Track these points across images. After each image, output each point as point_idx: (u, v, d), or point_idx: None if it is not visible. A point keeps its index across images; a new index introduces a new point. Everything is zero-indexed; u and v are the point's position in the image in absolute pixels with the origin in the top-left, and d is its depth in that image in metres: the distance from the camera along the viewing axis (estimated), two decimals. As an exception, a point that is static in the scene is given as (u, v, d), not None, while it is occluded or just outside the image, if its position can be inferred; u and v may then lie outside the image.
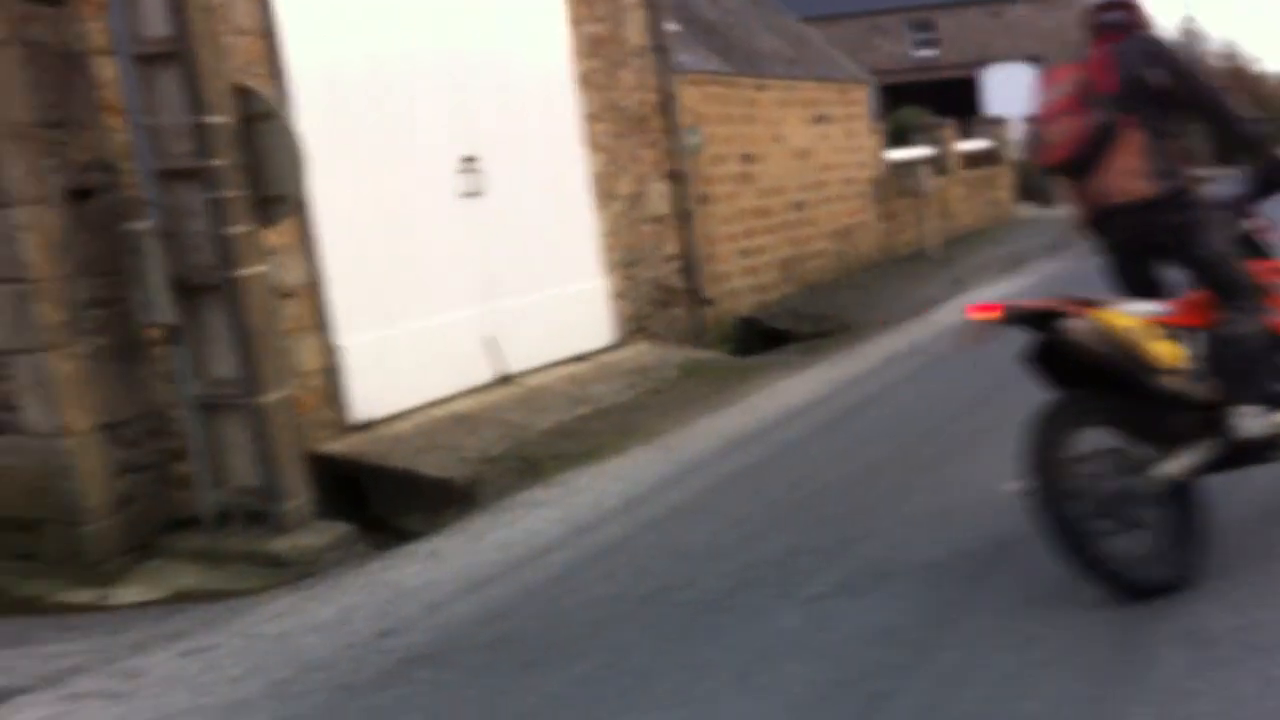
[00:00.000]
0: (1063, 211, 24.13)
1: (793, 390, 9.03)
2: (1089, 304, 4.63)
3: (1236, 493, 5.76)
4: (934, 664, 4.29)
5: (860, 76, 18.15)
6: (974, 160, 23.03)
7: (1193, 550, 4.74)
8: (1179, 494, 4.72)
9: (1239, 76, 51.28)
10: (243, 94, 6.32)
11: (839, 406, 8.50)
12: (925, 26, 40.09)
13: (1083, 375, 4.63)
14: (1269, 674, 4.02)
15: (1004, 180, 24.07)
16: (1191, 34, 44.10)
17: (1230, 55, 53.49)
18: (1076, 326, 4.48)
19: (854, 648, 4.49)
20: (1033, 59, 38.91)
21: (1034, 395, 6.05)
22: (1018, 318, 4.60)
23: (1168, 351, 4.63)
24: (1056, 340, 4.55)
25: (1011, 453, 6.73)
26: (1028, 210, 24.44)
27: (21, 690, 4.68)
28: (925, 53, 40.21)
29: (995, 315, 4.57)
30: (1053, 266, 15.96)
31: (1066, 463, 4.54)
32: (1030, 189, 26.12)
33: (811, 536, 5.74)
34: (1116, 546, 4.55)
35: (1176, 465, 4.67)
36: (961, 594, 4.91)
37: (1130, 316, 4.61)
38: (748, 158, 13.77)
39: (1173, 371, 4.62)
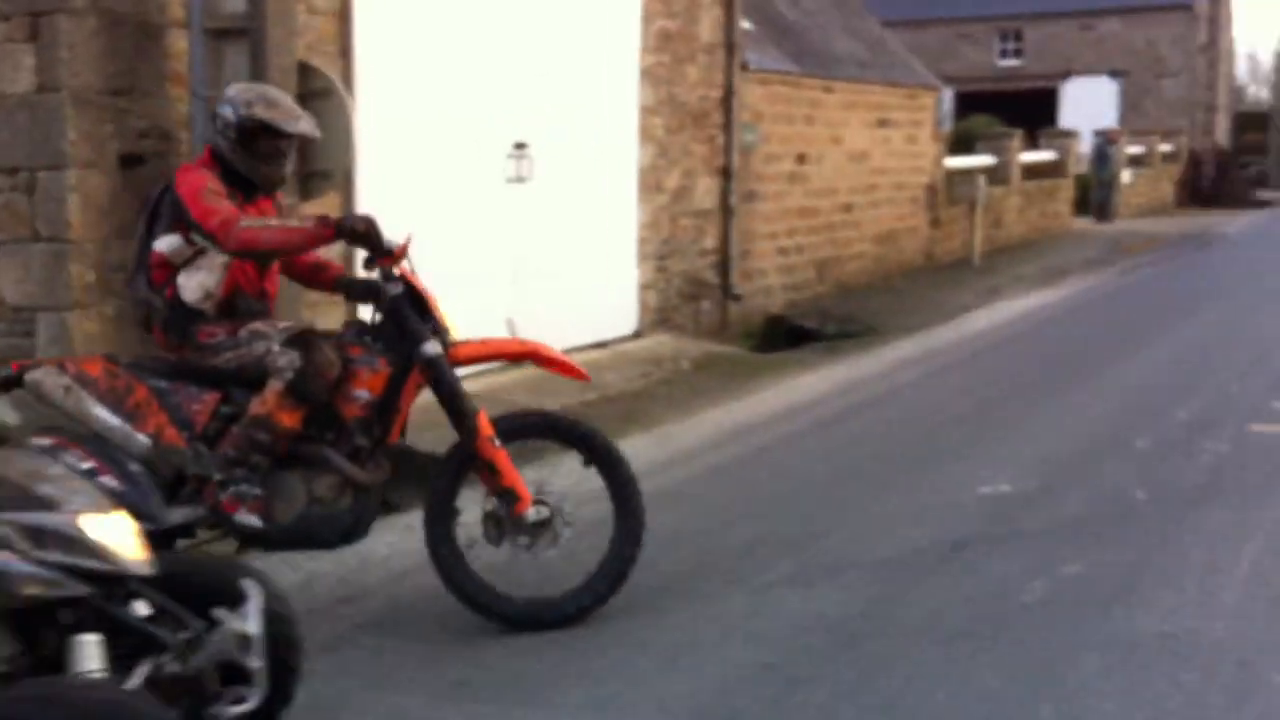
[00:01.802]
0: (1117, 227, 23.98)
1: (803, 387, 9.13)
2: None
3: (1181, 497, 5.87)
4: (859, 653, 4.42)
5: (930, 82, 18.12)
6: (1037, 171, 22.87)
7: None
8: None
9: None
10: (305, 70, 6.55)
11: (842, 405, 8.60)
12: (1012, 36, 39.76)
13: None
14: (1179, 679, 4.12)
15: (1065, 193, 23.88)
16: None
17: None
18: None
19: (788, 635, 4.62)
20: (1116, 74, 38.50)
21: (1035, 403, 6.21)
22: None
23: None
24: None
25: (997, 458, 6.92)
26: (1083, 224, 24.25)
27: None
28: (1010, 62, 39.86)
29: None
30: (1092, 280, 15.89)
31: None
32: (1090, 202, 25.90)
33: (778, 528, 5.87)
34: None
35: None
36: (904, 589, 5.03)
37: None
38: (802, 158, 13.84)
39: None
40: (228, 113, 4.75)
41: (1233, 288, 14.55)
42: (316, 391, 4.59)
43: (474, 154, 8.59)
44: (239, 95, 4.80)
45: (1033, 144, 23.96)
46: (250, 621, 3.22)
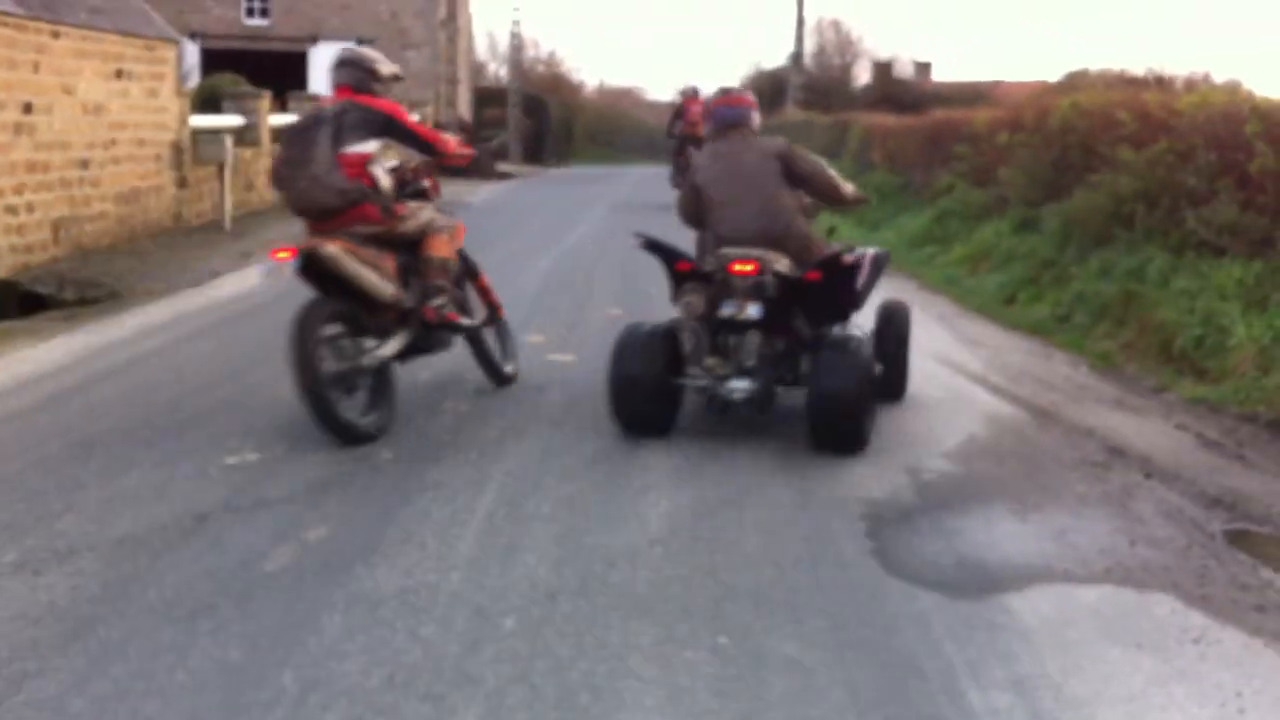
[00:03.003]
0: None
1: (35, 359, 8.45)
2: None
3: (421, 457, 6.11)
4: (92, 640, 4.14)
5: (170, 35, 17.43)
6: (288, 135, 22.87)
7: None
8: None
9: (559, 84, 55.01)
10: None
11: (81, 376, 8.05)
12: (258, -6, 39.32)
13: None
14: (418, 632, 4.25)
15: (318, 157, 24.12)
16: (517, 38, 46.50)
17: (551, 63, 57.35)
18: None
19: (14, 627, 4.23)
20: (364, 41, 39.43)
21: (283, 370, 6.17)
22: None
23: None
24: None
25: (245, 425, 6.80)
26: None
27: None
28: (258, 21, 39.42)
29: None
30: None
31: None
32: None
33: (3, 513, 5.37)
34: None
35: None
36: (143, 568, 4.78)
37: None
38: (29, 107, 12.77)
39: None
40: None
41: (477, 252, 15.38)
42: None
43: None
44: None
45: (283, 107, 23.90)
46: None
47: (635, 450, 6.54)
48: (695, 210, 7.15)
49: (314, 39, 39.11)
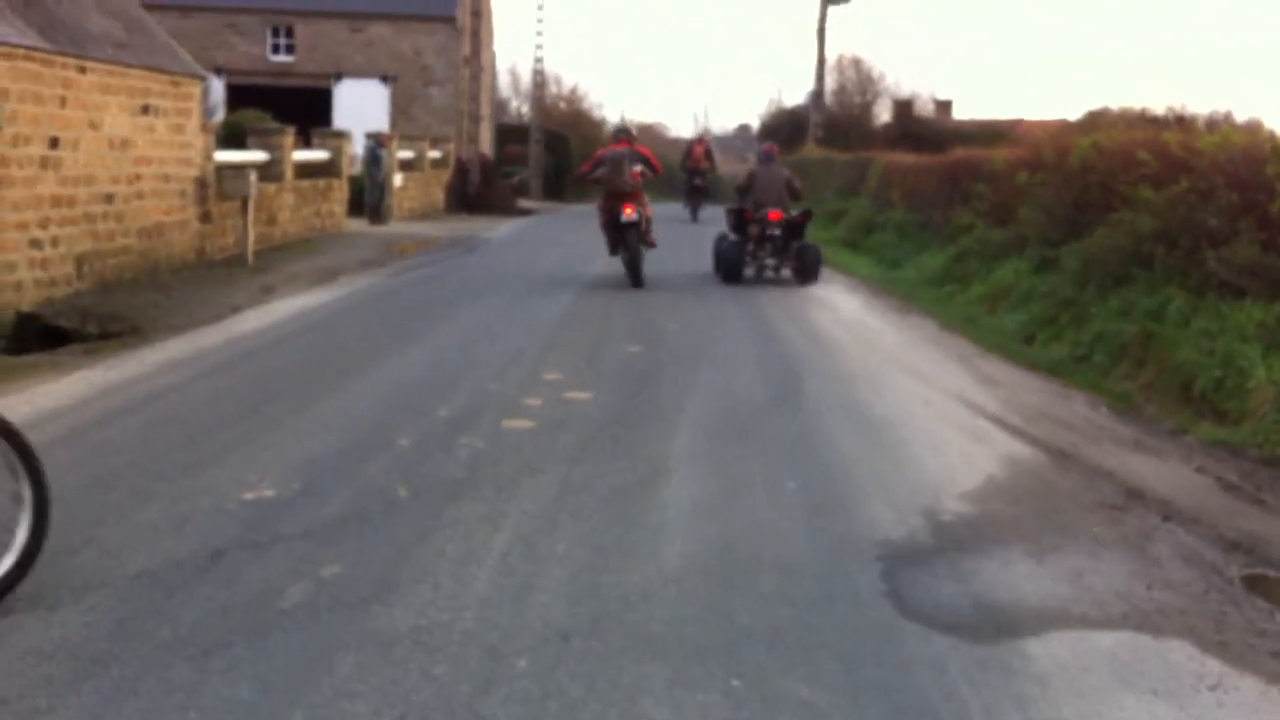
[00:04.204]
0: (391, 229, 24.81)
1: (56, 393, 8.49)
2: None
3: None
4: (104, 678, 4.14)
5: (196, 70, 17.58)
6: (310, 170, 23.05)
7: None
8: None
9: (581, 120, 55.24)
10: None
11: (100, 411, 8.08)
12: (284, 31, 39.69)
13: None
14: (431, 672, 4.25)
15: (339, 193, 24.28)
16: (539, 75, 46.74)
17: (573, 100, 57.57)
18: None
19: (26, 664, 4.24)
20: (387, 78, 39.72)
21: (303, 405, 6.11)
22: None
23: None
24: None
25: (262, 461, 6.82)
26: (358, 225, 24.79)
27: None
28: (282, 58, 39.78)
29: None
30: (366, 280, 16.26)
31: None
32: (364, 204, 26.56)
33: (21, 547, 5.38)
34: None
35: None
36: (158, 605, 4.79)
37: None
38: (56, 142, 12.89)
39: None
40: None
41: (496, 289, 15.46)
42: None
43: None
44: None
45: (306, 142, 24.10)
46: None
47: (651, 488, 6.54)
48: (747, 187, 17.44)
49: (338, 75, 39.45)
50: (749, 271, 16.90)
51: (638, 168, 15.78)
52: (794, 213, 16.97)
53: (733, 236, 17.00)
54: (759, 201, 16.72)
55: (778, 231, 16.58)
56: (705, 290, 15.93)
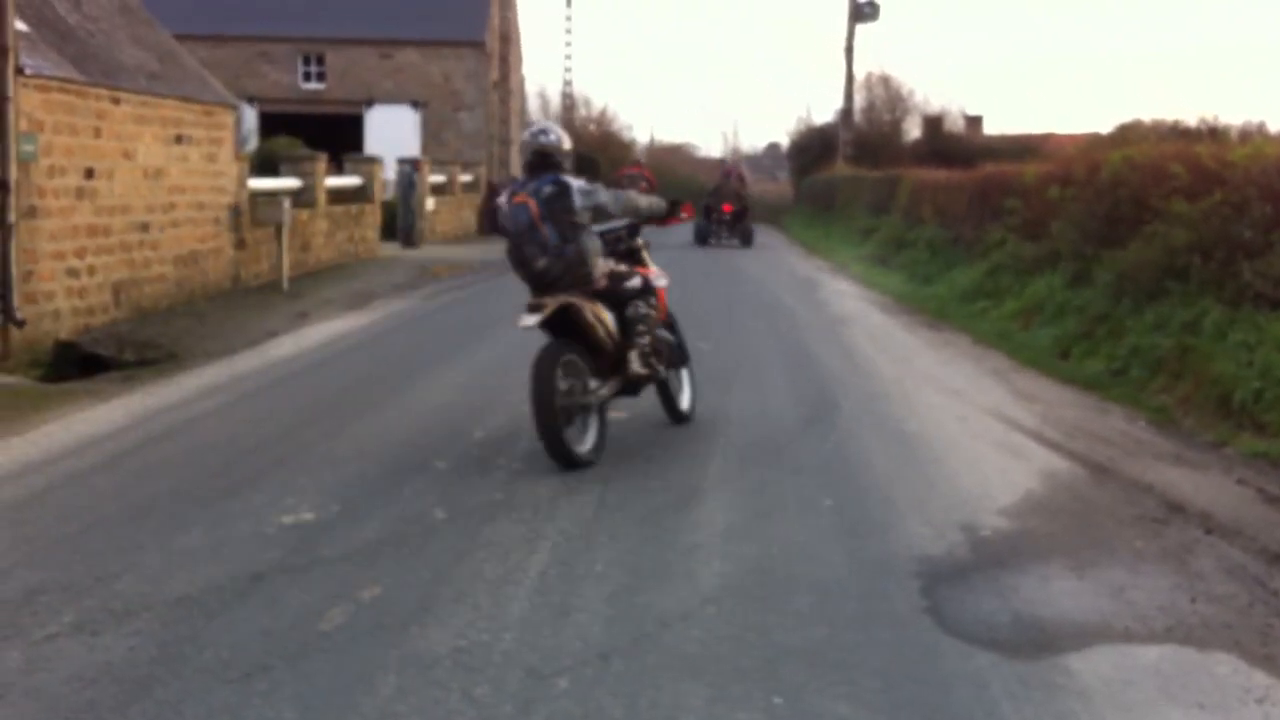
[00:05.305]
0: (424, 253, 24.92)
1: (95, 420, 8.57)
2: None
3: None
4: (148, 701, 4.16)
5: (228, 99, 17.75)
6: (343, 196, 23.20)
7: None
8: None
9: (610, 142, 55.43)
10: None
11: (139, 437, 8.15)
12: (315, 59, 40.02)
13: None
14: (472, 693, 4.25)
15: (371, 218, 24.42)
16: (568, 98, 46.99)
17: (602, 122, 57.75)
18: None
19: (71, 688, 4.27)
20: (417, 104, 39.98)
21: (339, 429, 6.15)
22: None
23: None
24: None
25: (300, 485, 6.85)
26: (391, 250, 24.91)
27: None
28: (313, 85, 40.11)
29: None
30: (400, 304, 16.34)
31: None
32: (397, 228, 26.69)
33: (63, 573, 5.42)
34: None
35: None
36: (199, 629, 4.81)
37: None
38: (91, 172, 13.03)
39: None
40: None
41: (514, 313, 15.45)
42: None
43: None
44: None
45: (338, 169, 24.26)
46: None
47: (687, 508, 6.54)
48: (714, 192, 31.33)
49: (369, 102, 39.73)
50: (711, 240, 29.66)
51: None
52: (737, 208, 30.31)
53: (703, 221, 29.45)
54: (718, 200, 30.34)
55: (727, 218, 30.06)
56: (733, 312, 15.90)
